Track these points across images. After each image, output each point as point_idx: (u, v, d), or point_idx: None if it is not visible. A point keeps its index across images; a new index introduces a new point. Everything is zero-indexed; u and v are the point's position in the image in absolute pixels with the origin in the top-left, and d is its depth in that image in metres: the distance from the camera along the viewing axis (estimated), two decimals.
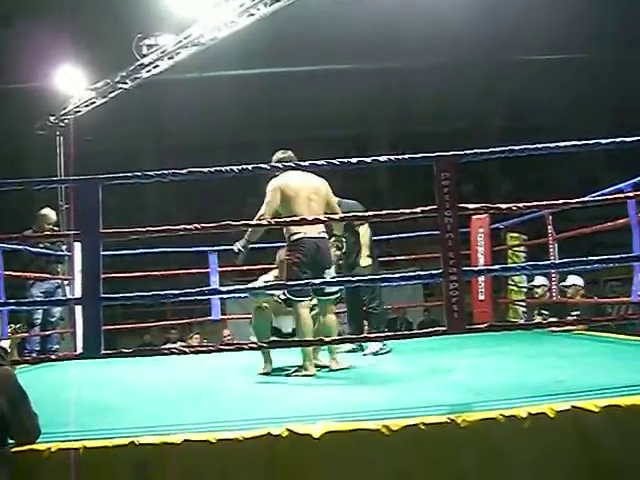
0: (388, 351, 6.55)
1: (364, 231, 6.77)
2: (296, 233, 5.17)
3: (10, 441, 3.09)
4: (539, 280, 8.25)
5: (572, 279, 7.73)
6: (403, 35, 17.44)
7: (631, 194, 5.19)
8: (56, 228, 8.38)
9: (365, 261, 6.70)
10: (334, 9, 15.95)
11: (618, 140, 4.09)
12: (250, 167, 4.03)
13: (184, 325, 12.64)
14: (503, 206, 4.21)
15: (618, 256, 4.46)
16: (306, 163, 4.02)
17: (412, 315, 15.28)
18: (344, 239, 5.97)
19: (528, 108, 20.89)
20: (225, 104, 18.45)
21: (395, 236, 10.02)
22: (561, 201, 4.42)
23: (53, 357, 5.80)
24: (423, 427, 3.02)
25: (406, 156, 4.06)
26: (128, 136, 20.55)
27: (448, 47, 17.72)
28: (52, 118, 11.59)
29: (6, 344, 5.88)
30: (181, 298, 4.33)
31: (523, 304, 8.88)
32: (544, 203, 4.43)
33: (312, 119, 20.70)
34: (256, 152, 18.75)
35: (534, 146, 4.03)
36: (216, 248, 8.74)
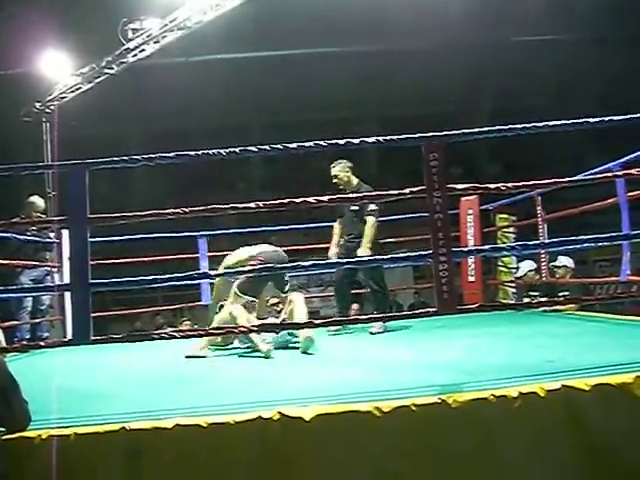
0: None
1: (370, 223, 6.91)
2: None
3: (0, 429, 3.08)
4: (527, 263, 8.27)
5: (562, 260, 7.76)
6: (390, 17, 17.34)
7: (620, 173, 5.21)
8: (44, 216, 8.34)
9: (364, 251, 6.79)
10: None
11: (606, 119, 4.08)
12: (238, 150, 4.01)
13: (175, 311, 12.64)
14: (492, 186, 4.19)
15: (606, 235, 4.46)
16: (294, 145, 4.00)
17: (402, 298, 15.34)
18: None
19: (516, 90, 20.86)
20: (212, 88, 18.34)
21: (384, 218, 10.00)
22: (550, 181, 4.42)
23: (43, 344, 5.79)
24: (414, 408, 3.02)
25: (394, 137, 4.05)
26: (115, 121, 20.45)
27: (436, 29, 17.62)
28: (38, 104, 11.49)
29: None
30: (170, 283, 4.32)
31: (513, 285, 8.91)
32: (533, 183, 4.42)
33: (300, 102, 20.61)
34: (245, 136, 18.71)
35: (521, 126, 4.03)
36: (205, 233, 8.73)
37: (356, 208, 7.05)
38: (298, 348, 5.51)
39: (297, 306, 5.84)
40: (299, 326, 5.27)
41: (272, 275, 5.80)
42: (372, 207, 6.92)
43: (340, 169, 7.17)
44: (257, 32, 17.61)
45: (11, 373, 3.14)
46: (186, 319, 11.80)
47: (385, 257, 4.78)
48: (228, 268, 6.13)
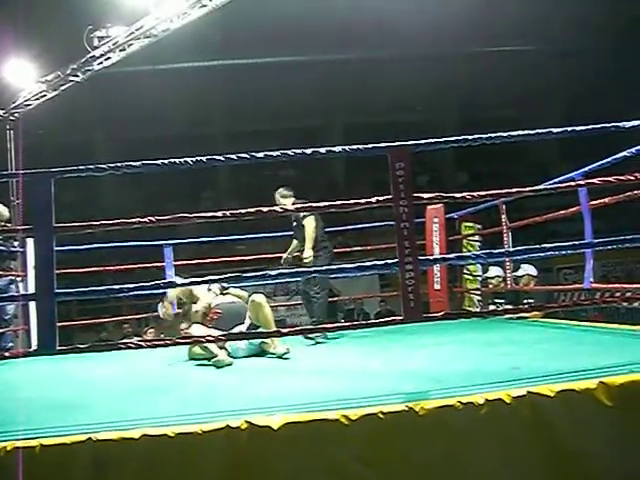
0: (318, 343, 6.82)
1: (307, 224, 6.99)
2: None
3: None
4: (493, 271, 8.36)
5: (525, 268, 7.84)
6: (358, 27, 17.48)
7: (582, 182, 5.28)
8: (9, 225, 8.25)
9: (306, 254, 6.95)
10: None
11: (569, 129, 4.16)
12: (205, 159, 4.01)
13: (140, 320, 12.54)
14: (457, 195, 4.24)
15: (569, 243, 4.53)
16: (261, 154, 4.01)
17: (369, 306, 15.41)
18: None
19: (483, 100, 21.08)
20: (180, 96, 18.32)
21: (351, 227, 10.08)
22: (514, 190, 4.48)
23: (7, 355, 5.71)
24: (382, 416, 3.04)
25: (360, 146, 4.08)
26: (83, 129, 20.31)
27: (403, 39, 17.77)
28: (1, 112, 11.38)
29: None
30: (136, 292, 4.29)
31: (478, 293, 8.98)
32: (497, 192, 4.49)
33: (267, 111, 20.65)
34: (211, 144, 18.69)
35: (486, 135, 4.08)
36: (171, 242, 8.69)
37: (295, 223, 7.29)
38: (273, 354, 5.55)
39: (264, 312, 5.84)
40: (268, 335, 5.30)
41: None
42: (302, 214, 7.03)
43: (278, 196, 7.31)
44: (224, 40, 17.62)
45: None
46: (150, 328, 11.70)
47: (352, 265, 4.80)
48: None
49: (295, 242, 7.57)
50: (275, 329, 5.54)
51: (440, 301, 8.36)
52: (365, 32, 17.64)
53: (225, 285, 6.30)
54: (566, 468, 3.06)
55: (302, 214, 7.01)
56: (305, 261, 6.95)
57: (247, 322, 5.93)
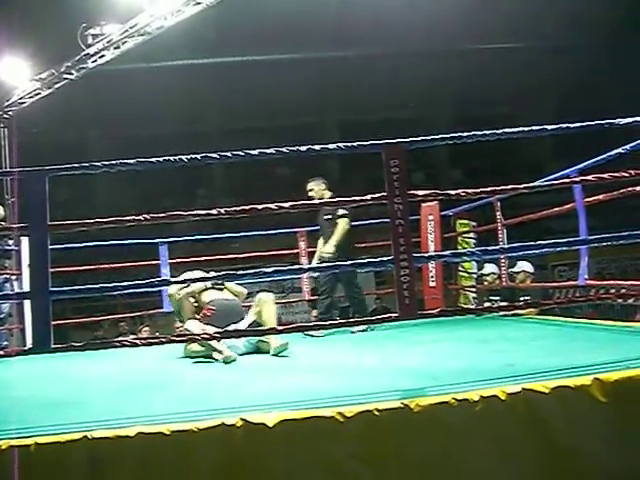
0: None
1: (341, 226, 7.36)
2: None
3: None
4: (488, 268, 8.37)
5: (521, 265, 7.85)
6: (352, 23, 17.44)
7: (577, 179, 5.29)
8: (3, 223, 8.23)
9: (329, 248, 7.23)
10: None
11: (564, 126, 4.16)
12: (199, 157, 4.00)
13: (135, 319, 12.54)
14: (452, 192, 4.24)
15: (564, 240, 4.53)
16: (255, 152, 4.00)
17: None
18: None
19: (477, 97, 21.09)
20: (174, 93, 18.29)
21: None
22: (509, 186, 4.48)
23: (2, 353, 5.70)
24: (377, 413, 3.04)
25: (355, 144, 4.07)
26: (77, 127, 20.27)
27: (397, 36, 17.75)
28: None
29: None
30: (131, 290, 4.29)
31: (473, 290, 8.99)
32: (492, 189, 4.47)
33: (262, 108, 20.63)
34: (206, 141, 18.66)
35: (482, 132, 4.08)
36: (166, 240, 8.68)
37: (329, 217, 7.46)
38: (268, 352, 5.55)
39: (270, 311, 5.85)
40: (265, 333, 5.32)
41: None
42: (340, 212, 7.33)
43: (314, 184, 7.67)
44: (218, 38, 17.58)
45: None
46: (145, 326, 11.70)
47: (347, 263, 4.80)
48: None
49: (322, 240, 7.71)
50: (274, 326, 5.56)
51: (435, 298, 8.36)
52: (359, 29, 17.58)
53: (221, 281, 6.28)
54: (561, 465, 3.07)
55: (340, 211, 7.32)
56: (324, 254, 7.18)
57: (249, 319, 5.91)
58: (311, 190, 7.63)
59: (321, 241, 7.71)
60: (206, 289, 6.16)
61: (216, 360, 5.32)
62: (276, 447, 3.00)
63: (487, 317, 7.34)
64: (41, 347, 3.80)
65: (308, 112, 22.14)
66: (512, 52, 19.75)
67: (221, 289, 6.28)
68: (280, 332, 4.70)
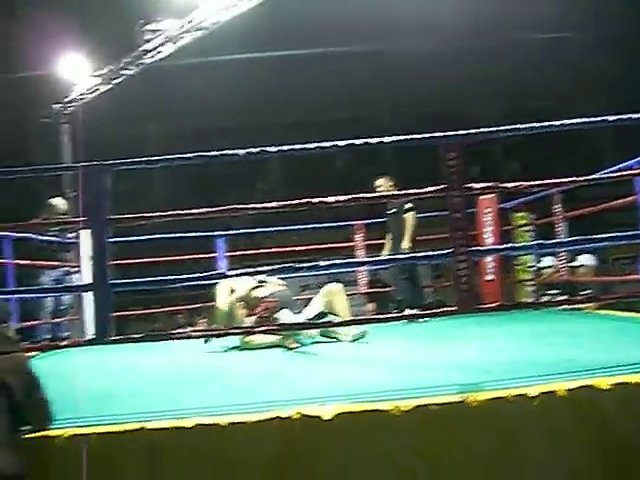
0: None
1: (408, 220, 7.56)
2: None
3: (23, 428, 3.10)
4: (546, 262, 8.25)
5: (582, 259, 7.71)
6: (402, 19, 17.33)
7: (638, 171, 5.17)
8: (64, 217, 8.37)
9: (405, 244, 7.32)
10: None
11: (625, 117, 4.06)
12: (256, 151, 4.02)
13: (192, 311, 12.66)
14: (510, 185, 4.19)
15: (624, 234, 4.44)
16: (312, 146, 4.00)
17: None
18: None
19: (526, 91, 20.77)
20: (230, 88, 18.38)
21: None
22: (568, 179, 4.40)
23: (64, 344, 5.82)
24: (434, 407, 3.02)
25: (414, 137, 4.04)
26: (135, 122, 20.51)
27: (447, 31, 17.61)
28: (58, 106, 11.58)
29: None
30: (188, 283, 4.34)
31: (531, 284, 8.86)
32: (550, 181, 4.41)
33: (317, 101, 20.61)
34: (263, 135, 18.72)
35: (539, 124, 4.01)
36: (224, 233, 8.75)
37: (394, 210, 7.75)
38: (337, 339, 5.76)
39: (342, 301, 5.95)
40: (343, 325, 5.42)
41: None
42: (407, 206, 7.60)
43: (383, 181, 7.97)
44: (274, 32, 17.63)
45: (34, 372, 3.16)
46: (202, 318, 11.80)
47: (404, 256, 4.78)
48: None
49: (390, 236, 7.89)
50: (349, 318, 5.77)
51: (493, 292, 8.29)
52: (410, 24, 17.47)
53: (262, 278, 6.30)
54: (621, 462, 3.01)
55: (406, 205, 7.57)
56: (402, 251, 7.26)
57: (314, 309, 5.94)
58: (380, 186, 7.90)
59: (390, 235, 7.89)
60: (253, 289, 6.19)
61: (289, 348, 5.42)
62: (332, 440, 3.00)
63: (546, 311, 7.24)
64: (102, 339, 3.87)
65: (362, 105, 22.05)
66: (564, 45, 19.41)
67: (262, 286, 6.30)
68: (357, 323, 4.68)
